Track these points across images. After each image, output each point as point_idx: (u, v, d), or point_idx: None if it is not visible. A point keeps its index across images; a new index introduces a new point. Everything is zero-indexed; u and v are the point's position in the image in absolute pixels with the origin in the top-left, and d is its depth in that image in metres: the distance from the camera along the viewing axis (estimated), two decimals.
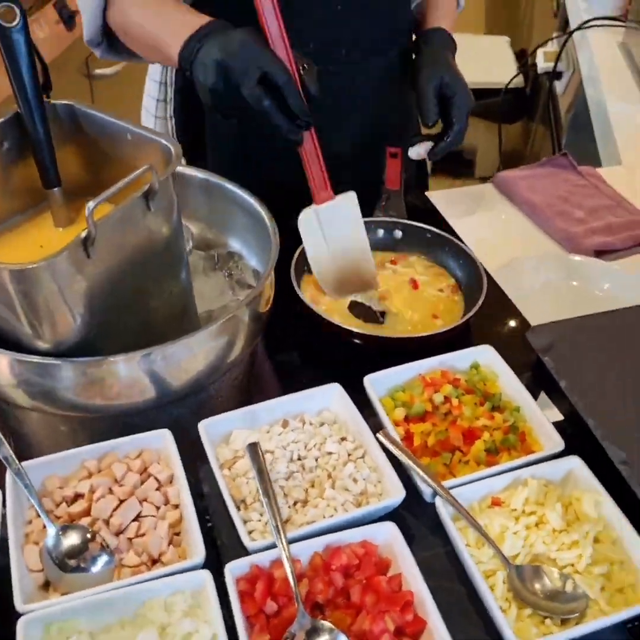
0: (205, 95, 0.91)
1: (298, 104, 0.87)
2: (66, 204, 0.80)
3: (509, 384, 0.83)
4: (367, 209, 1.08)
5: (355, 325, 0.94)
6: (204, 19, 0.95)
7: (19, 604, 0.62)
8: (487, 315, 0.98)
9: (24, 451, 0.75)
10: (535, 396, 0.84)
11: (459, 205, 1.37)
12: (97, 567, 0.66)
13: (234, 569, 0.65)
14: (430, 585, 0.67)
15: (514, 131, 2.99)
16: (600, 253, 1.27)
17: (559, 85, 2.39)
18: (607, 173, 1.47)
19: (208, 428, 0.76)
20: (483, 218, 1.35)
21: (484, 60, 2.89)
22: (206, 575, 0.64)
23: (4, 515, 0.68)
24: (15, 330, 0.70)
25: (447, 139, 1.05)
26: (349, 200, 0.98)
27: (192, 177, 0.93)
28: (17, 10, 0.74)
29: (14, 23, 0.74)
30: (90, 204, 0.64)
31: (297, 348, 0.99)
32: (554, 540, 0.70)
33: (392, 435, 0.76)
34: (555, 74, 2.36)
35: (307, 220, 0.96)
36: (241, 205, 0.91)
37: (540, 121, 2.73)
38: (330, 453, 0.76)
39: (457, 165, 3.31)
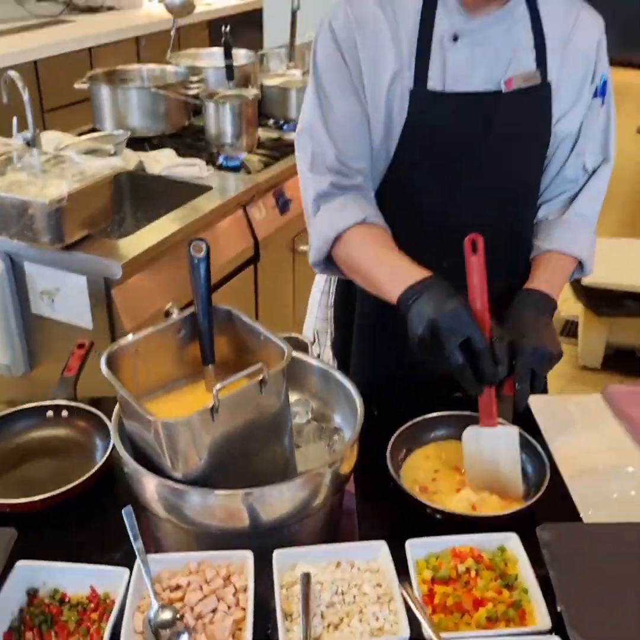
0: (413, 339, 1.15)
1: (490, 370, 1.11)
2: (216, 376, 1.13)
3: (525, 569, 1.02)
4: None
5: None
6: (422, 273, 1.21)
7: None
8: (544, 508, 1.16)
9: (151, 548, 1.06)
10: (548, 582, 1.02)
11: (559, 410, 1.54)
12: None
13: None
14: None
15: None
16: None
17: None
18: None
19: (280, 556, 1.02)
20: (577, 425, 1.51)
21: None
22: None
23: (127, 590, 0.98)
24: (160, 462, 1.02)
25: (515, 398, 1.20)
26: (511, 433, 1.21)
27: (311, 365, 1.25)
28: (204, 246, 1.11)
29: (201, 254, 1.11)
30: (218, 386, 0.96)
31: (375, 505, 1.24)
32: None
33: (413, 591, 0.98)
34: None
35: (469, 436, 1.22)
36: (343, 388, 1.20)
37: None
38: (365, 594, 0.99)
39: (628, 361, 3.41)
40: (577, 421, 1.50)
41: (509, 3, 1.31)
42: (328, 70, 1.37)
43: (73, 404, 1.38)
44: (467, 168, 1.40)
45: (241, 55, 3.14)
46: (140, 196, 2.63)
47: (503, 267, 1.45)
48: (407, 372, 1.34)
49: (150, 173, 2.55)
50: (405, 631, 0.93)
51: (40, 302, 2.17)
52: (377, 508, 1.22)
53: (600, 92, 1.45)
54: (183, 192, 2.48)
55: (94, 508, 1.21)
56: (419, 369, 1.21)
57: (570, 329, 3.67)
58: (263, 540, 1.05)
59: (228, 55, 2.83)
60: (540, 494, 1.17)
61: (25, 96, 2.12)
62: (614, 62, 1.51)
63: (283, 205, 2.73)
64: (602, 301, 3.23)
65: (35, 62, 4.05)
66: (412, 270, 1.23)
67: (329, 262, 1.42)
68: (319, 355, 1.71)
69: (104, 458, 1.25)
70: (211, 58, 3.23)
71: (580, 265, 1.50)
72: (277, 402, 1.07)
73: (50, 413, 1.37)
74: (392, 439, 1.27)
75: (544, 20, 1.37)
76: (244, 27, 4.68)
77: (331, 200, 1.37)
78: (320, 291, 1.74)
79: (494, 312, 1.20)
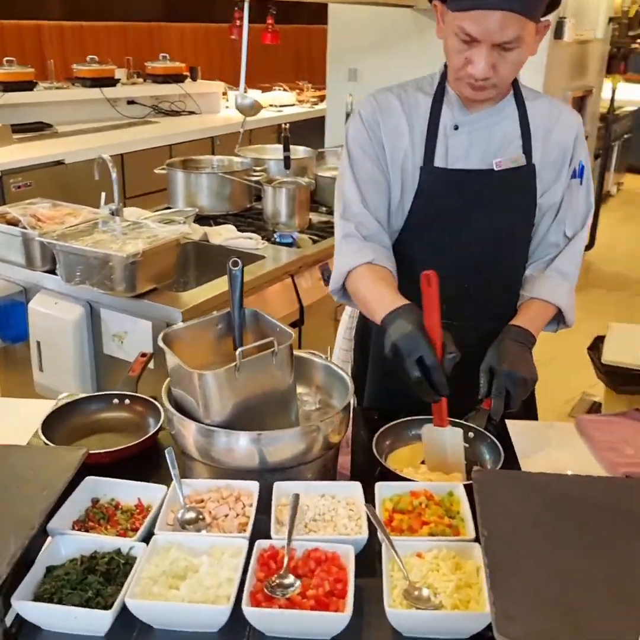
0: (387, 356, 1.46)
1: (439, 381, 1.38)
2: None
3: (466, 509, 1.33)
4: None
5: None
6: (399, 302, 1.50)
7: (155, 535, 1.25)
8: None
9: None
10: None
11: (534, 432, 1.77)
12: (200, 531, 1.28)
13: (261, 543, 1.23)
14: (363, 589, 1.19)
15: None
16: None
17: None
18: None
19: (279, 486, 1.36)
20: (546, 439, 1.77)
21: None
22: (244, 542, 1.22)
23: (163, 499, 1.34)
24: (197, 415, 1.39)
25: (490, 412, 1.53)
26: (456, 433, 1.51)
27: (319, 363, 1.61)
28: (240, 262, 1.51)
29: (237, 268, 1.51)
30: (239, 351, 1.34)
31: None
32: (440, 579, 1.18)
33: (373, 509, 1.30)
34: None
35: (426, 433, 1.54)
36: (341, 381, 1.55)
37: None
38: (339, 514, 1.32)
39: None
40: (549, 442, 1.74)
41: (501, 102, 1.71)
42: (357, 145, 1.76)
43: (134, 394, 1.77)
44: (464, 230, 1.76)
45: (300, 151, 3.66)
46: (202, 263, 3.04)
47: (494, 313, 1.79)
48: (411, 400, 1.65)
49: (213, 243, 2.99)
50: (365, 533, 1.25)
51: (111, 343, 2.57)
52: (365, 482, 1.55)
53: (579, 174, 1.81)
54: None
55: (145, 462, 1.57)
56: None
57: (595, 410, 3.91)
58: (268, 478, 1.39)
59: (286, 148, 3.33)
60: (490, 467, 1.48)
61: (114, 175, 2.60)
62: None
63: (328, 277, 3.06)
64: (622, 379, 3.46)
65: (122, 154, 4.68)
66: (396, 300, 1.53)
67: (345, 293, 1.80)
68: None
69: (157, 428, 1.63)
70: (275, 152, 3.73)
71: (562, 317, 1.80)
72: (286, 377, 1.44)
73: (116, 400, 1.76)
74: (380, 431, 1.61)
75: (531, 117, 1.75)
76: (310, 130, 5.31)
77: (352, 242, 1.73)
78: (345, 326, 2.11)
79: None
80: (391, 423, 1.64)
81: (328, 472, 1.50)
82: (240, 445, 1.37)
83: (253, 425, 1.39)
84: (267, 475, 1.39)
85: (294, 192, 3.14)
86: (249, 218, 3.32)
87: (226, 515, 1.31)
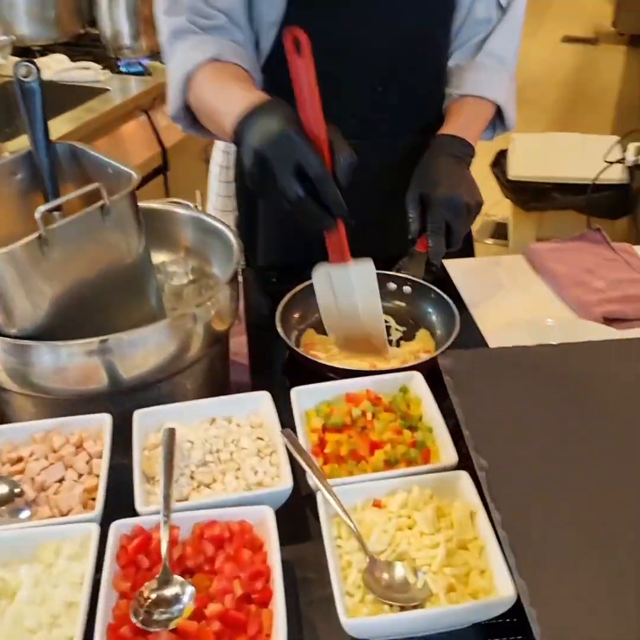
0: (246, 178, 0.97)
1: (332, 198, 0.90)
2: None
3: (430, 408, 0.88)
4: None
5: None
6: (257, 97, 0.99)
7: None
8: None
9: None
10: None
11: (479, 271, 1.42)
12: (16, 516, 0.78)
13: (120, 526, 0.74)
14: (312, 577, 0.74)
15: (620, 226, 2.97)
16: (611, 321, 1.28)
17: None
18: None
19: (143, 416, 0.87)
20: (498, 283, 1.39)
21: (591, 157, 2.91)
22: (93, 527, 0.74)
23: None
24: None
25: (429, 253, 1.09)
26: (366, 268, 1.03)
27: (184, 217, 1.08)
28: (33, 67, 0.93)
29: (31, 77, 0.93)
30: (40, 208, 0.79)
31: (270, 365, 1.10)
32: (419, 542, 0.73)
33: (294, 437, 0.83)
34: None
35: (320, 276, 1.05)
36: (219, 236, 1.04)
37: None
38: (243, 448, 0.84)
39: None
40: (498, 281, 1.39)
41: None
42: None
43: None
44: (364, 15, 1.22)
45: None
46: None
47: (418, 126, 1.31)
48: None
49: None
50: (287, 481, 0.78)
51: None
52: (272, 370, 1.07)
53: None
54: (76, 95, 2.27)
55: None
56: None
57: (500, 231, 3.60)
58: (126, 403, 0.89)
59: None
60: (450, 342, 1.03)
61: None
62: None
63: None
64: (530, 195, 3.13)
65: None
66: (251, 96, 1.01)
67: (194, 123, 1.24)
68: None
69: None
70: None
71: (500, 116, 1.34)
72: (131, 244, 0.91)
73: None
74: (284, 300, 1.12)
75: None
76: None
77: (186, 39, 1.17)
78: (218, 163, 1.56)
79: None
80: (300, 286, 1.15)
81: (216, 378, 1.02)
82: (76, 362, 0.85)
83: (89, 327, 0.88)
84: (122, 399, 0.89)
85: (136, 5, 2.49)
86: (85, 46, 2.75)
87: (60, 481, 0.81)
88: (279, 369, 1.11)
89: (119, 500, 0.79)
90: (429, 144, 1.22)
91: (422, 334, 1.14)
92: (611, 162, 2.43)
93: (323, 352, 1.10)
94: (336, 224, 0.95)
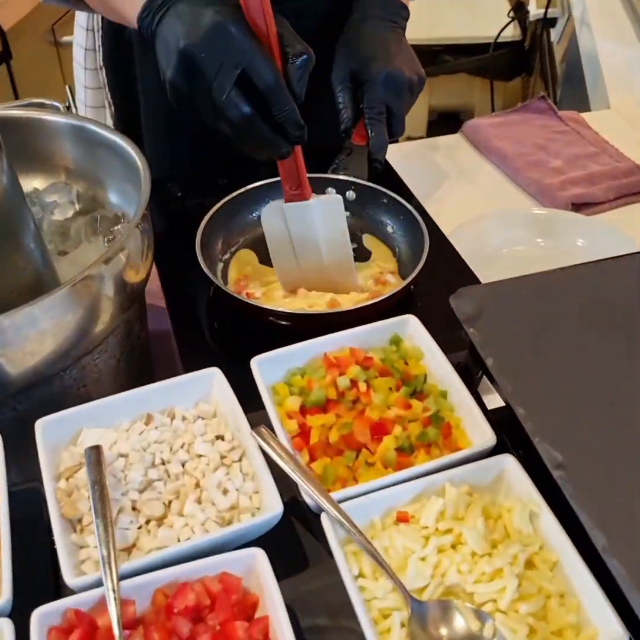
0: (167, 87, 0.70)
1: (288, 115, 0.68)
2: None
3: (436, 363, 0.66)
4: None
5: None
6: None
7: None
8: (438, 284, 0.81)
9: None
10: (473, 379, 0.68)
11: (419, 159, 1.21)
12: None
13: (43, 616, 0.50)
14: (322, 625, 0.53)
15: (513, 88, 2.80)
16: (579, 206, 1.10)
17: (553, 34, 2.20)
18: (593, 117, 1.30)
19: (48, 427, 0.60)
20: (445, 172, 1.19)
21: (480, 14, 2.69)
22: (6, 625, 0.49)
23: None
24: None
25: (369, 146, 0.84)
26: (333, 203, 0.81)
27: (59, 125, 0.77)
28: None
29: None
30: None
31: (202, 328, 0.85)
32: (473, 568, 0.53)
33: (275, 431, 0.60)
34: (549, 21, 2.17)
35: (271, 219, 0.81)
36: (115, 149, 0.75)
37: (539, 75, 2.55)
38: (199, 456, 0.60)
39: (454, 125, 3.15)
40: (445, 172, 1.19)
41: None
42: None
43: None
44: None
45: None
46: None
47: None
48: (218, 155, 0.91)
49: None
50: (274, 501, 0.55)
51: None
52: (198, 330, 0.83)
53: None
54: None
55: None
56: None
57: None
58: (17, 410, 0.63)
59: None
60: (421, 263, 0.81)
61: None
62: None
63: None
64: (419, 60, 2.89)
65: None
66: None
67: None
68: None
69: None
70: None
71: None
72: None
73: None
74: (203, 223, 0.85)
75: None
76: None
77: None
78: (83, 48, 1.21)
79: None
80: (221, 202, 0.89)
81: (136, 351, 0.76)
82: None
83: None
84: (15, 404, 0.63)
85: None
86: None
87: None
88: (203, 316, 0.86)
89: (32, 564, 0.54)
90: (351, 5, 0.96)
91: (378, 250, 0.92)
92: (514, 18, 2.20)
93: (259, 288, 0.86)
94: (292, 150, 0.70)
